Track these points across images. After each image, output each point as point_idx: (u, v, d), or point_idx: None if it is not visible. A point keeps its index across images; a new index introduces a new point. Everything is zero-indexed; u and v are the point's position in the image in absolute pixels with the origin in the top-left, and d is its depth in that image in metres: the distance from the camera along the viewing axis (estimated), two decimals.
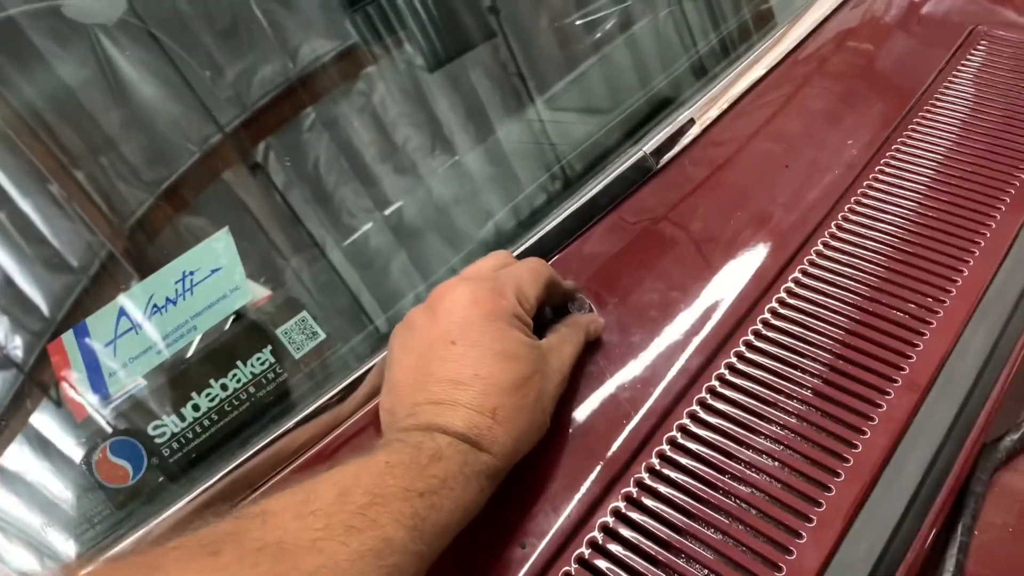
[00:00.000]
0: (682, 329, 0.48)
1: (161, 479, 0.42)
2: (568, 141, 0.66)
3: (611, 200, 0.56)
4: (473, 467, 0.35)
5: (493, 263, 0.45)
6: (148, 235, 0.51)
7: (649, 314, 0.49)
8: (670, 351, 0.47)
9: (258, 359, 0.45)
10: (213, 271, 0.45)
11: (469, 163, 0.68)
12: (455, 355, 0.38)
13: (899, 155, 0.59)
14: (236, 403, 0.44)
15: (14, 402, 0.44)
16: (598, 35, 0.81)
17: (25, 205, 0.48)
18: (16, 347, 0.46)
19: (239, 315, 0.45)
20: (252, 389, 0.45)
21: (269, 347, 0.45)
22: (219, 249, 0.45)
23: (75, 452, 0.43)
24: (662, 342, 0.48)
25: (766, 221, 0.54)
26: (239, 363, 0.44)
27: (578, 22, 0.81)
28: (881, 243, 0.52)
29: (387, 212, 0.62)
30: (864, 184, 0.57)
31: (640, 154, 0.58)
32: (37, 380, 0.45)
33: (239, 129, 0.57)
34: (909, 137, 0.60)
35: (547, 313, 0.48)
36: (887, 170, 0.58)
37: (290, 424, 0.44)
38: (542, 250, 0.53)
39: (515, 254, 0.52)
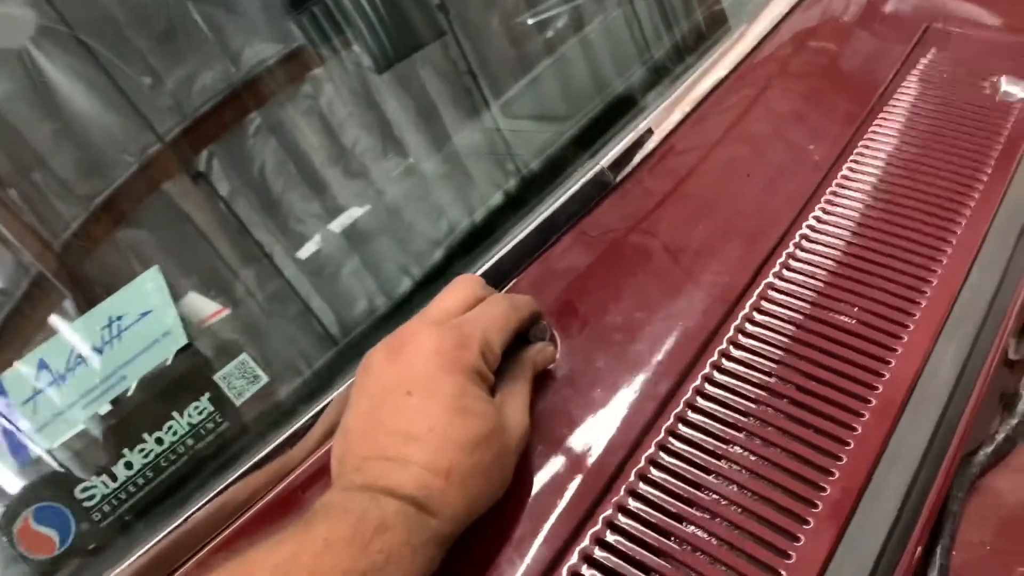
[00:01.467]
0: (648, 353, 0.46)
1: (92, 546, 0.39)
2: (524, 148, 0.64)
3: (569, 217, 0.54)
4: (421, 536, 0.33)
5: (463, 297, 0.42)
6: (83, 252, 0.48)
7: (613, 338, 0.47)
8: (636, 377, 0.45)
9: (196, 408, 0.41)
10: (143, 314, 0.41)
11: (422, 165, 0.66)
12: (410, 406, 0.36)
13: (861, 159, 0.58)
14: (173, 457, 0.41)
15: None
16: (550, 34, 0.80)
17: None
18: None
19: (179, 354, 0.42)
20: (191, 441, 0.41)
21: (207, 394, 0.42)
22: (149, 289, 0.42)
23: None
24: (627, 368, 0.45)
25: (730, 234, 0.52)
26: (175, 413, 0.41)
27: (530, 21, 0.79)
28: (847, 253, 0.51)
29: (338, 218, 0.60)
30: (828, 191, 0.55)
31: (597, 168, 0.55)
32: None
33: (180, 137, 0.55)
34: (871, 140, 0.59)
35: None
36: (850, 176, 0.56)
37: (234, 476, 0.41)
38: (500, 272, 0.51)
39: (479, 272, 0.50)
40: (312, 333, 0.55)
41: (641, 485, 0.40)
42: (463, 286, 0.43)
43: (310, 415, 0.44)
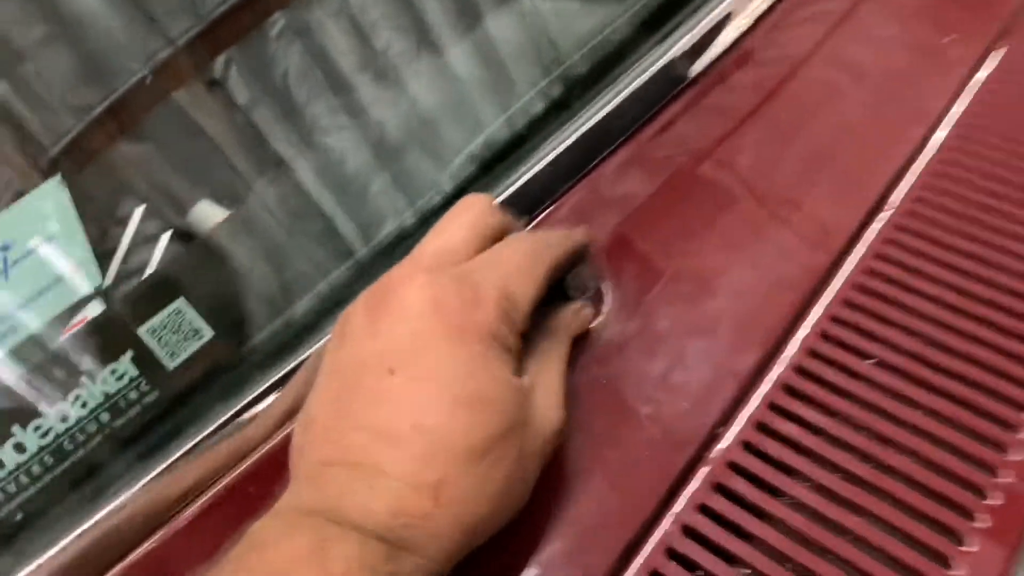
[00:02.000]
0: (730, 313, 0.34)
1: None
2: (571, 36, 0.54)
3: (629, 124, 0.41)
4: None
5: (470, 227, 0.30)
6: (75, 169, 0.44)
7: (681, 290, 0.35)
8: (712, 346, 0.33)
9: (113, 373, 0.30)
10: (40, 243, 0.30)
11: (458, 68, 0.58)
12: (391, 391, 0.25)
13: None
14: (83, 438, 0.31)
15: None
16: None
17: None
18: None
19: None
20: (106, 416, 0.31)
21: (129, 354, 0.31)
22: (47, 209, 0.30)
23: None
24: (700, 332, 0.34)
25: (842, 158, 0.39)
26: (84, 379, 0.30)
27: None
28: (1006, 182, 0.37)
29: (366, 127, 0.55)
30: (972, 97, 0.41)
31: (668, 58, 0.42)
32: None
33: (194, 41, 0.51)
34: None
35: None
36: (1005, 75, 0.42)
37: (163, 465, 0.30)
38: (532, 196, 0.39)
39: (501, 198, 0.38)
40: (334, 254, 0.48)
41: (710, 500, 0.29)
42: (469, 210, 0.31)
43: (276, 378, 0.33)
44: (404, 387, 0.25)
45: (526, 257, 0.30)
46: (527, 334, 0.29)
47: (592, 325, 0.34)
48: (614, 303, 0.35)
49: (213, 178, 0.49)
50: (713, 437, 0.31)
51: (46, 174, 0.39)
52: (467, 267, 0.28)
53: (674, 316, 0.34)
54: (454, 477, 0.24)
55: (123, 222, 0.42)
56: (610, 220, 0.38)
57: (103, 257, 0.35)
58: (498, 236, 0.31)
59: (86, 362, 0.30)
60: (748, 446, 0.30)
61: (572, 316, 0.33)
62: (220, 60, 0.52)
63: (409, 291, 0.27)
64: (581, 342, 0.33)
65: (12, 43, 0.46)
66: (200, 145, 0.50)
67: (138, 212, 0.44)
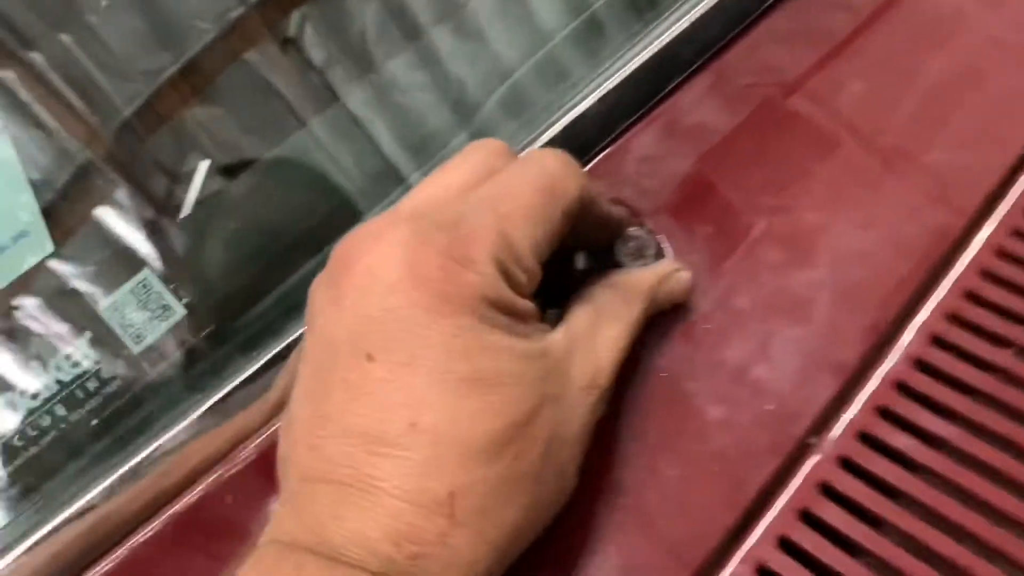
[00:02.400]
0: (828, 292, 0.28)
1: None
2: None
3: (704, 47, 0.34)
4: None
5: (471, 171, 0.24)
6: (143, 134, 0.42)
7: (767, 256, 0.29)
8: (804, 335, 0.27)
9: (67, 358, 0.25)
10: None
11: (546, 22, 0.55)
12: (373, 383, 0.21)
13: None
14: (33, 434, 0.27)
15: None
16: None
17: None
18: None
19: None
20: (61, 411, 0.27)
21: (85, 336, 0.26)
22: None
23: None
24: (794, 311, 0.27)
25: (983, 120, 0.32)
26: (33, 363, 0.26)
27: None
28: None
29: (445, 85, 0.53)
30: None
31: None
32: None
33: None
34: None
35: (578, 264, 0.28)
36: None
37: (127, 466, 0.26)
38: (579, 137, 0.32)
39: (543, 141, 0.33)
40: None
41: (796, 533, 0.23)
42: (474, 152, 0.25)
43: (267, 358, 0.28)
44: (388, 377, 0.20)
45: (537, 193, 0.23)
46: (583, 279, 0.24)
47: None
48: None
49: (285, 139, 0.47)
50: (803, 450, 0.25)
51: (116, 137, 0.40)
52: (456, 208, 0.23)
53: (758, 290, 0.28)
54: (469, 484, 0.20)
55: (188, 177, 0.42)
56: (677, 163, 0.32)
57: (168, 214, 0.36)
58: None
59: (35, 345, 0.26)
60: (848, 464, 0.24)
61: (658, 275, 0.27)
62: (295, 17, 0.50)
63: (376, 253, 0.21)
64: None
65: (84, 5, 0.44)
66: (273, 105, 0.48)
67: (203, 166, 0.43)
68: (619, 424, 0.25)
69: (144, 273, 0.27)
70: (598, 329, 0.24)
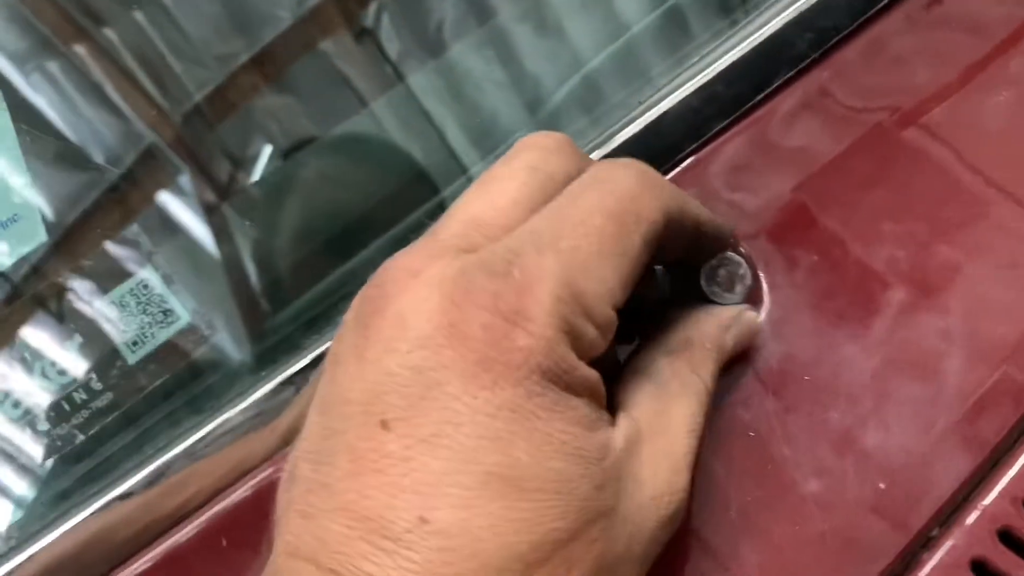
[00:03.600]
0: (962, 344, 0.24)
1: None
2: None
3: (804, 53, 0.30)
4: None
5: (519, 180, 0.20)
6: (212, 120, 0.43)
7: (885, 299, 0.25)
8: (930, 396, 0.23)
9: (54, 366, 0.24)
10: None
11: (630, 19, 0.53)
12: (382, 458, 0.17)
13: None
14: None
15: None
16: None
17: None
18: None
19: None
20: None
21: (77, 340, 0.23)
22: None
23: None
24: (910, 376, 0.23)
25: None
26: (19, 372, 0.23)
27: None
28: None
29: (522, 82, 0.53)
30: None
31: None
32: None
33: None
34: None
35: (659, 287, 0.24)
36: None
37: (120, 490, 0.23)
38: (659, 144, 0.29)
39: (614, 147, 0.29)
40: None
41: None
42: (525, 151, 0.21)
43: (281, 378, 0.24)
44: (402, 452, 0.17)
45: (609, 220, 0.19)
46: (661, 309, 0.21)
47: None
48: (775, 310, 0.25)
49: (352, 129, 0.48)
50: (924, 544, 0.21)
51: (185, 121, 0.40)
52: (508, 244, 0.18)
53: (873, 337, 0.24)
54: None
55: (252, 162, 0.42)
56: (777, 181, 0.28)
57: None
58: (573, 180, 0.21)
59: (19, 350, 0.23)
60: (981, 568, 0.20)
61: (723, 323, 0.23)
62: (372, 8, 0.51)
63: (411, 296, 0.18)
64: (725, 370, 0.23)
65: None
66: (344, 95, 0.48)
67: (267, 151, 0.43)
68: (692, 490, 0.21)
69: (144, 272, 0.24)
70: (667, 411, 0.20)
